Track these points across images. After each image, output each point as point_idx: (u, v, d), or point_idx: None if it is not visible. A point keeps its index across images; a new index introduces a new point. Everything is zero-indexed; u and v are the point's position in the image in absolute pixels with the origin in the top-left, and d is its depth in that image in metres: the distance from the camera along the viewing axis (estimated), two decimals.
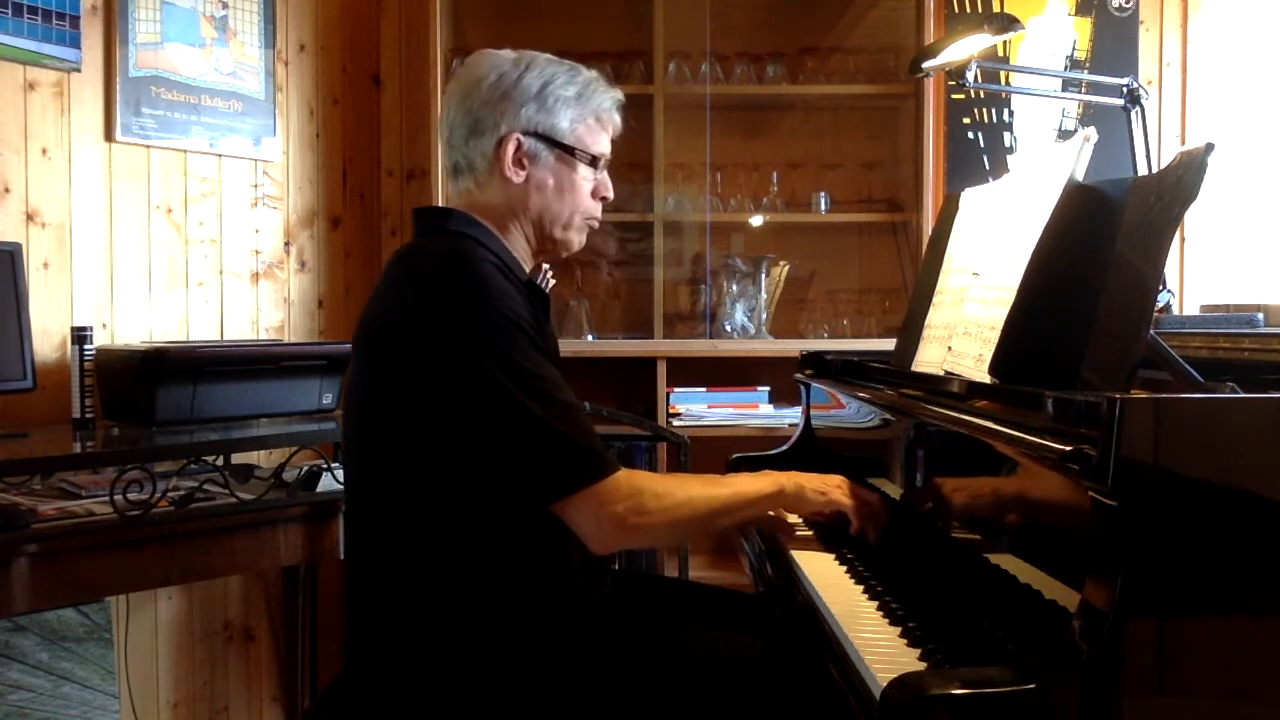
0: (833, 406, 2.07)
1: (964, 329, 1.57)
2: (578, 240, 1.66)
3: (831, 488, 1.62)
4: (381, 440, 1.48)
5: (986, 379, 1.42)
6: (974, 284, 1.59)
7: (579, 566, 1.53)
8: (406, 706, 1.43)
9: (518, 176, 1.57)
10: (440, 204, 2.98)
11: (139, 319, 2.67)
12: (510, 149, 1.55)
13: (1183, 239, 3.28)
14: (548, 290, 1.64)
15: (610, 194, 1.67)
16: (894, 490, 1.69)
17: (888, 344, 2.04)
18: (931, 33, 3.07)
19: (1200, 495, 0.98)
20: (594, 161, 1.62)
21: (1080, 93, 3.24)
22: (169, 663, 2.75)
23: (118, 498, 2.02)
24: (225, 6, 2.85)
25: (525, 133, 1.56)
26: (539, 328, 1.48)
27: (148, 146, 2.68)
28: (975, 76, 2.26)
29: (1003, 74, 3.10)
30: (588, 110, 1.60)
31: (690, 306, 3.35)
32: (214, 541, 2.20)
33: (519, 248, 1.61)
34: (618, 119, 1.66)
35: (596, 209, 1.66)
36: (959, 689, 0.95)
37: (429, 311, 1.41)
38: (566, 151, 1.58)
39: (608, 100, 1.63)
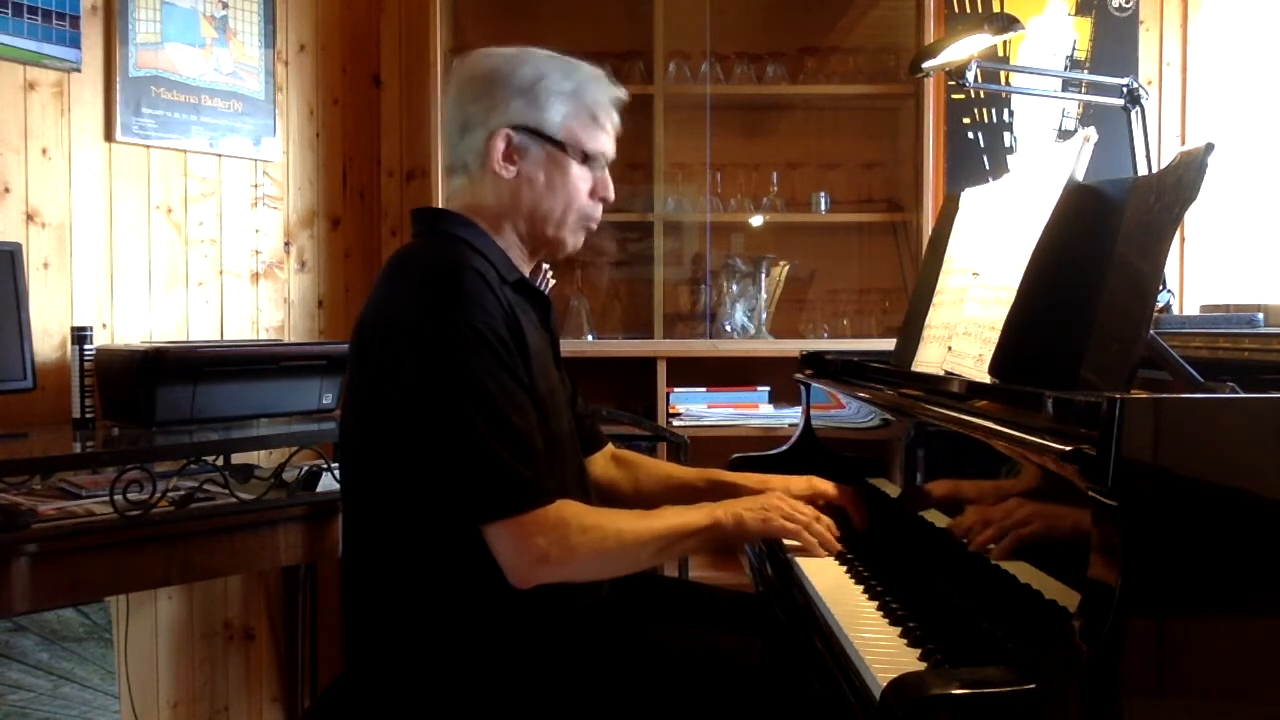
0: (833, 406, 2.07)
1: (964, 329, 1.57)
2: (572, 241, 1.62)
3: (770, 511, 1.56)
4: (371, 440, 1.48)
5: (986, 379, 1.42)
6: (974, 284, 1.59)
7: None
8: (406, 707, 1.43)
9: (508, 172, 1.54)
10: (438, 204, 2.99)
11: (139, 319, 2.66)
12: (499, 144, 1.53)
13: (1183, 239, 3.28)
14: (547, 291, 1.64)
15: (610, 194, 1.62)
16: (894, 491, 1.69)
17: (888, 344, 2.04)
18: (931, 33, 3.07)
19: (1200, 495, 0.98)
20: (586, 159, 1.57)
21: (1080, 93, 3.24)
22: (169, 663, 2.75)
23: (118, 498, 2.02)
24: (225, 6, 2.85)
25: (514, 127, 1.53)
26: (521, 338, 1.46)
27: (148, 146, 2.68)
28: (975, 76, 2.26)
29: (1003, 74, 3.10)
30: (581, 106, 1.56)
31: (690, 306, 3.35)
32: (214, 541, 2.20)
33: (514, 248, 1.59)
34: (616, 117, 1.61)
35: (595, 209, 1.61)
36: (959, 689, 0.95)
37: (406, 317, 1.41)
38: (556, 147, 1.55)
39: (605, 96, 1.59)
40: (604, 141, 1.60)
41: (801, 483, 1.79)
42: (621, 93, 1.62)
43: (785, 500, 1.61)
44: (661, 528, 1.49)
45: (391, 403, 1.42)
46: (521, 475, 1.37)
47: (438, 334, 1.38)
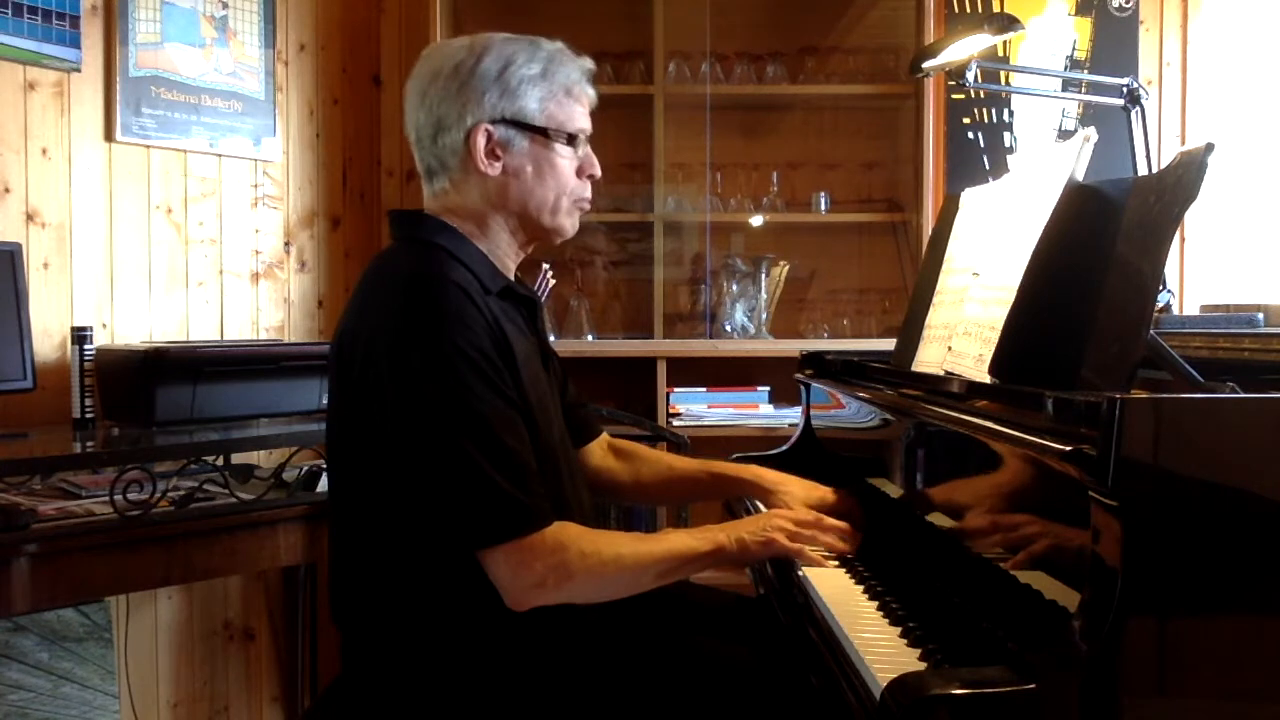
0: (833, 406, 2.07)
1: (964, 329, 1.57)
2: (570, 224, 1.57)
3: (774, 533, 1.51)
4: (356, 457, 1.45)
5: (986, 379, 1.42)
6: (974, 284, 1.59)
7: None
8: (406, 707, 1.43)
9: (493, 169, 1.49)
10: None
11: (139, 319, 2.66)
12: (480, 141, 1.48)
13: (1183, 239, 3.28)
14: (547, 291, 1.63)
15: (597, 171, 1.58)
16: (894, 490, 1.69)
17: (888, 344, 2.04)
18: (931, 33, 3.07)
19: (1200, 495, 0.98)
20: (571, 139, 1.53)
21: (1080, 93, 3.24)
22: (169, 663, 2.75)
23: (118, 498, 2.02)
24: (225, 6, 2.85)
25: (493, 121, 1.48)
26: (508, 350, 1.42)
27: (148, 146, 2.68)
28: (975, 76, 2.26)
29: (1003, 74, 3.10)
30: (556, 86, 1.52)
31: (690, 306, 3.35)
32: (214, 541, 2.20)
33: (501, 246, 1.55)
34: (591, 91, 1.57)
35: (585, 189, 1.57)
36: (959, 689, 0.95)
37: (387, 336, 1.38)
38: (540, 134, 1.50)
39: (575, 71, 1.54)
40: (582, 118, 1.56)
41: (797, 484, 1.76)
42: (589, 63, 1.58)
43: (787, 517, 1.56)
44: (662, 553, 1.45)
45: (376, 423, 1.39)
46: (516, 499, 1.34)
47: (421, 356, 1.35)
